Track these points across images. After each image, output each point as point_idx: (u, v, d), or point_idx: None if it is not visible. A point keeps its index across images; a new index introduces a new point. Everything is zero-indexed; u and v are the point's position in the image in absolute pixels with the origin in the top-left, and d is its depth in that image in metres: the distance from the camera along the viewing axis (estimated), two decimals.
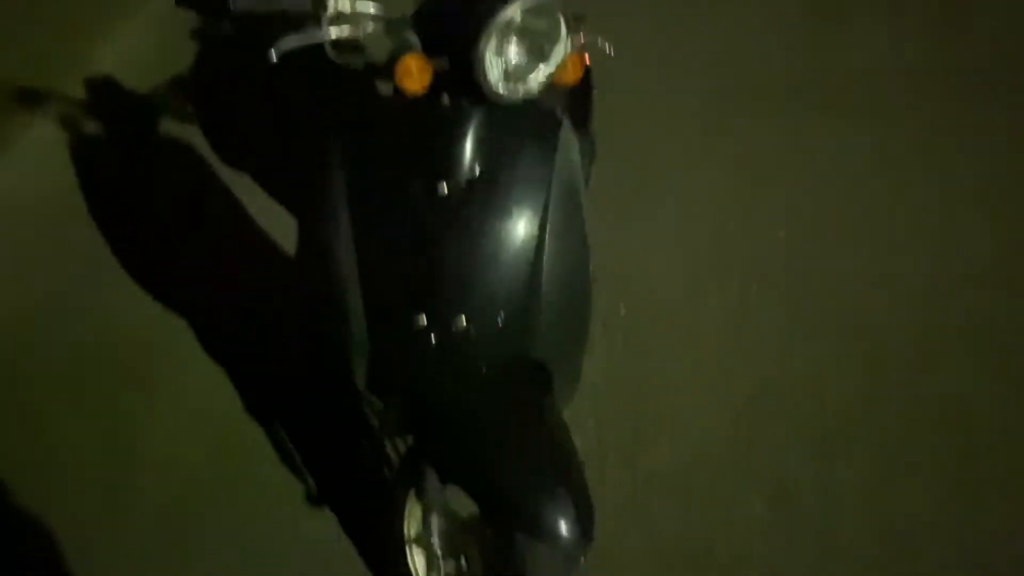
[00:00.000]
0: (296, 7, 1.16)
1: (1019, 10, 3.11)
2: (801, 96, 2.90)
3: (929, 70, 3.01)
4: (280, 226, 2.29)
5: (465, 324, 1.25)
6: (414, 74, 1.16)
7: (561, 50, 1.20)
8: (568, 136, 1.33)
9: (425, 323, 1.25)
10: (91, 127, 2.63)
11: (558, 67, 1.21)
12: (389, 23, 1.20)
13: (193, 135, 2.61)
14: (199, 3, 1.27)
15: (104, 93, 2.77)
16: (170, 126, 2.67)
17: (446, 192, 1.24)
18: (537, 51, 1.19)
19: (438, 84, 1.20)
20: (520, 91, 1.20)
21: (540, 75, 1.21)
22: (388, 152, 1.29)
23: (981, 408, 2.07)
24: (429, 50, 1.18)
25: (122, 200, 2.49)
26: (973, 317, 2.26)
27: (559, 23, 1.17)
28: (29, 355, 2.16)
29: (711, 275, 2.34)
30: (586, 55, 1.50)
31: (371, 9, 1.19)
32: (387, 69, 1.18)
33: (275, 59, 1.13)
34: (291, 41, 1.14)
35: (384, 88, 1.25)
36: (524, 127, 1.29)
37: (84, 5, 3.16)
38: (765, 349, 2.18)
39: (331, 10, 1.15)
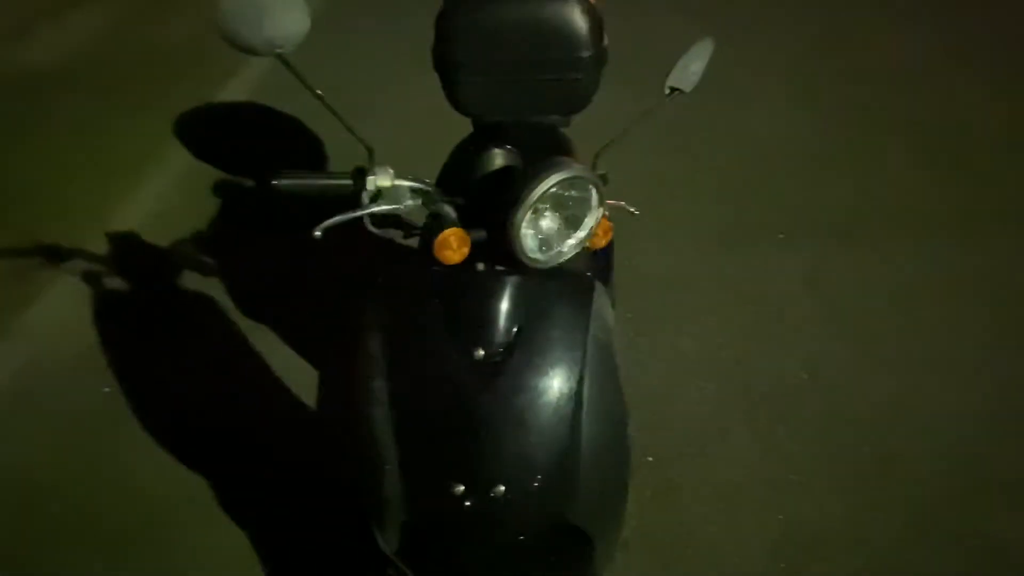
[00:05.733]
0: (337, 185, 1.20)
1: None
2: (820, 230, 2.98)
3: (941, 206, 3.11)
4: (302, 381, 2.29)
5: (503, 490, 1.22)
6: (453, 247, 1.19)
7: (593, 217, 1.23)
8: (601, 297, 1.34)
9: (462, 490, 1.22)
10: (113, 282, 2.66)
11: (590, 232, 1.24)
12: (427, 195, 1.23)
13: (214, 288, 2.65)
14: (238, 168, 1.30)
15: (126, 247, 2.82)
16: (191, 279, 2.71)
17: (482, 356, 1.24)
18: (571, 219, 1.22)
19: (475, 253, 1.23)
20: (554, 257, 1.23)
21: (573, 241, 1.24)
22: (425, 318, 1.29)
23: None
24: (466, 222, 1.22)
25: (142, 354, 2.49)
26: (1009, 451, 2.22)
27: (592, 193, 1.20)
28: (43, 511, 2.10)
29: (737, 415, 2.32)
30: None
31: (409, 183, 1.22)
32: (427, 241, 1.20)
33: (319, 236, 1.15)
34: (334, 219, 1.16)
35: (422, 256, 1.27)
36: (558, 290, 1.30)
37: (107, 160, 3.28)
38: (799, 489, 2.13)
39: (371, 187, 1.18)
